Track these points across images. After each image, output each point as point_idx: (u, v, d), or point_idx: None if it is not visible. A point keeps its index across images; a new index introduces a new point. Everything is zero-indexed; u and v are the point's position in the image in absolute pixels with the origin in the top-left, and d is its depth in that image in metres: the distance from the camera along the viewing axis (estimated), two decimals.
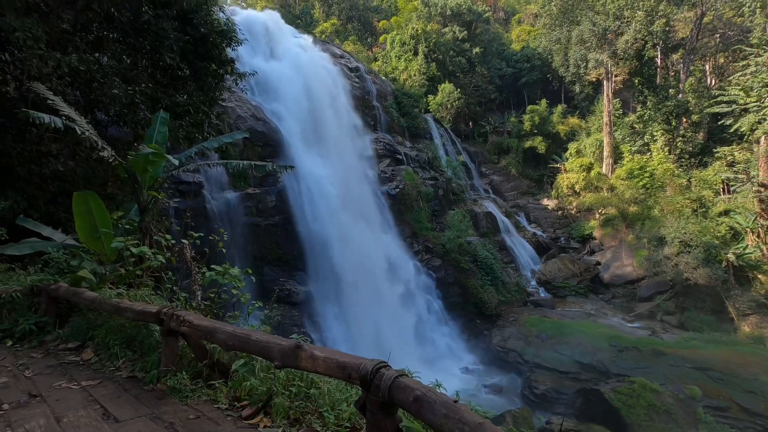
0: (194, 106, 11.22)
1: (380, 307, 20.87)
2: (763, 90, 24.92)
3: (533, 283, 29.28)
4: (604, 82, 37.64)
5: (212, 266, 5.97)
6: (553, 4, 38.41)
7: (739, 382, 16.08)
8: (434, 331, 22.57)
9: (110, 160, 6.94)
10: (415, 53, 45.02)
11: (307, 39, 33.12)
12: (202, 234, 7.13)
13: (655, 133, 34.44)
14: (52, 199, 9.27)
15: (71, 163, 9.73)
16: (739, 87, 26.52)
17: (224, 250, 6.77)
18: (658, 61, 36.23)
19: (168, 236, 7.45)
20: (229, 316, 5.90)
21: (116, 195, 10.18)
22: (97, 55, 10.28)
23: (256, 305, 6.06)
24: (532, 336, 21.33)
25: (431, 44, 44.75)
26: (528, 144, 42.54)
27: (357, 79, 32.95)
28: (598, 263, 30.01)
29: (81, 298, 5.50)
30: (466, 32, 47.99)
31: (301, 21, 52.62)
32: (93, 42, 10.40)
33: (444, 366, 20.17)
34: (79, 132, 6.65)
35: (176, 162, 6.82)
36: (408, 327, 21.43)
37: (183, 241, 6.90)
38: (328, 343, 17.80)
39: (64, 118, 6.65)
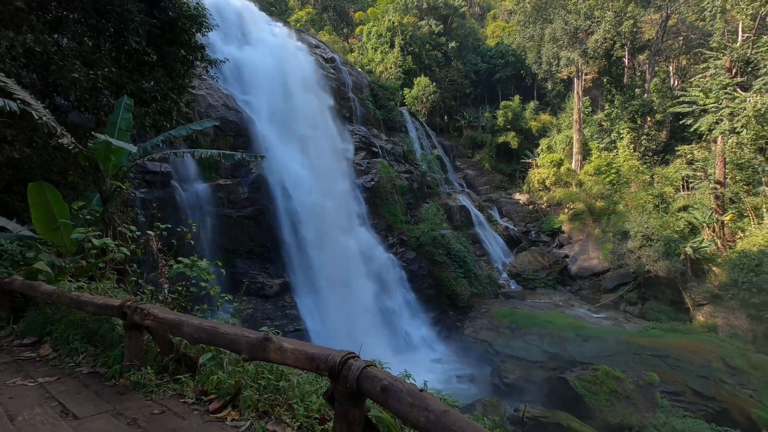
0: (162, 92, 10.78)
1: (354, 299, 20.88)
2: (720, 92, 26.18)
3: (504, 275, 29.98)
4: (575, 80, 38.63)
5: (179, 258, 5.81)
6: (527, 1, 39.01)
7: (693, 368, 17.03)
8: (408, 323, 22.78)
9: (70, 148, 6.60)
10: (392, 46, 44.81)
11: (281, 27, 32.37)
12: (169, 225, 6.91)
13: (621, 131, 35.69)
14: (6, 188, 8.76)
15: (27, 150, 9.20)
16: (699, 88, 27.78)
17: (192, 242, 6.59)
18: (626, 61, 37.51)
19: (133, 227, 7.18)
20: (197, 310, 5.76)
21: (78, 184, 9.72)
22: (56, 36, 9.71)
23: (226, 298, 5.95)
24: (502, 327, 21.88)
25: (407, 37, 44.65)
26: (501, 139, 43.27)
27: (332, 70, 32.54)
28: (567, 256, 31.03)
29: (38, 292, 5.26)
30: (442, 26, 48.13)
31: (275, 8, 51.32)
32: (51, 22, 9.80)
33: (417, 357, 20.42)
34: (35, 117, 6.28)
35: (134, 149, 6.54)
36: (381, 319, 21.55)
37: (149, 232, 6.68)
38: (302, 336, 17.69)
39: (18, 101, 6.26)
